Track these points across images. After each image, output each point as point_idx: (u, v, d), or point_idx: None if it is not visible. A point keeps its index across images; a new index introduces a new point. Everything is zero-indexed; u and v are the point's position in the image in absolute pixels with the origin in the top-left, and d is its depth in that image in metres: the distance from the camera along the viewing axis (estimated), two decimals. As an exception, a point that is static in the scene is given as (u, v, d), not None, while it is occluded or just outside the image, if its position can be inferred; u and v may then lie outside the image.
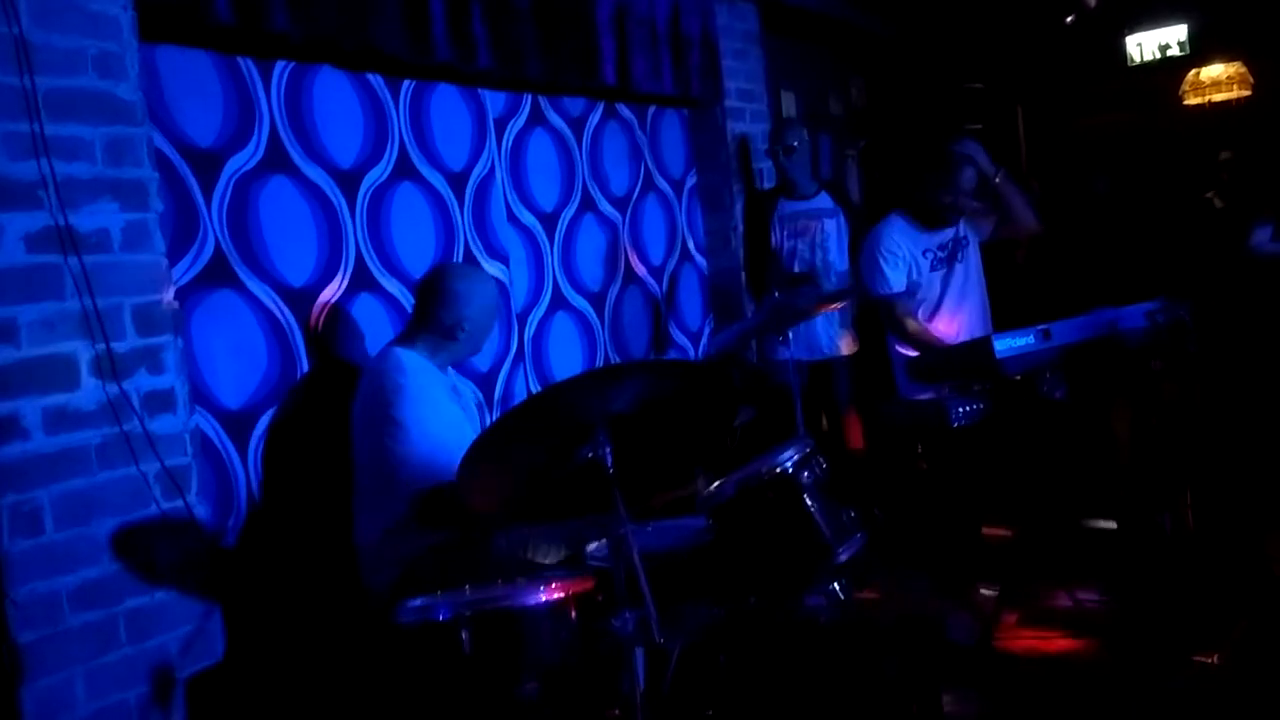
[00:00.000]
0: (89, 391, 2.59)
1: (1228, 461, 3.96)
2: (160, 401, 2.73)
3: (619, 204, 4.75)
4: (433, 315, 2.96)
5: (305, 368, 3.30)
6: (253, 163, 3.22)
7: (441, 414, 2.87)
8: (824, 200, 4.95)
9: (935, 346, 3.97)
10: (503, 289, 4.07)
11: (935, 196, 4.11)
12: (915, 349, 4.03)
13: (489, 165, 4.09)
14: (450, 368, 3.12)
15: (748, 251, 5.06)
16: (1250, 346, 4.63)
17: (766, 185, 5.27)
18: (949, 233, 4.20)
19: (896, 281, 4.10)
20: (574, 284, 4.48)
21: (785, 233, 4.89)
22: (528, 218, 4.29)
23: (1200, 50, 7.82)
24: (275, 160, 3.29)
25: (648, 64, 4.62)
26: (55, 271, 2.54)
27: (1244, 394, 4.39)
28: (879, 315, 4.25)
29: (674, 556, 2.80)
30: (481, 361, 3.88)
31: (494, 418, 3.78)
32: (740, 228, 5.16)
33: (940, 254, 4.17)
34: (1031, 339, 3.22)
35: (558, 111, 4.47)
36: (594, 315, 4.57)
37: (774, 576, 2.82)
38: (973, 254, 4.26)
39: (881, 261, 4.12)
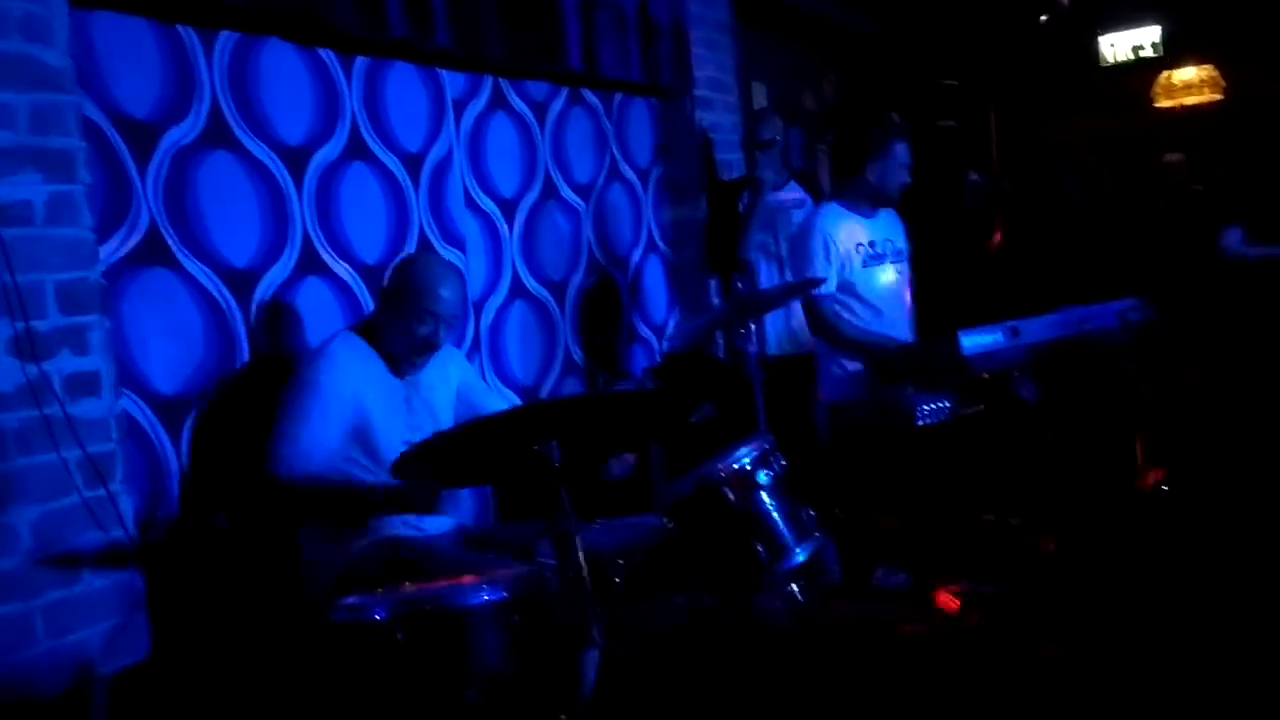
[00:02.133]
0: (7, 372, 2.44)
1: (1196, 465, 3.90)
2: (84, 385, 2.59)
3: (582, 192, 4.63)
4: (391, 300, 2.85)
5: (245, 351, 3.16)
6: (192, 136, 3.07)
7: (347, 407, 2.70)
8: (793, 190, 4.86)
9: (854, 344, 3.74)
10: (460, 277, 3.94)
11: (876, 173, 3.87)
12: (848, 352, 3.78)
13: (447, 148, 3.96)
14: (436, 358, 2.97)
15: (709, 243, 4.96)
16: (1222, 348, 4.58)
17: (734, 176, 5.17)
18: (885, 228, 3.96)
19: (824, 275, 3.80)
20: (534, 272, 4.36)
21: (754, 226, 4.79)
22: (487, 203, 4.16)
23: (1173, 52, 7.82)
24: (216, 134, 3.14)
25: (615, 50, 4.51)
26: (-29, 244, 2.39)
27: (1218, 395, 4.34)
28: (804, 311, 4.01)
29: (627, 555, 2.70)
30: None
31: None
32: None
33: (873, 250, 3.92)
34: (1000, 336, 3.14)
35: (520, 95, 4.34)
36: (554, 305, 4.45)
37: (730, 577, 2.73)
38: (905, 267, 4.01)
39: (805, 255, 3.86)
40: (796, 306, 4.64)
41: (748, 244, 4.68)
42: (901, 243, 4.02)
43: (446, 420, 2.95)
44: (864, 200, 3.93)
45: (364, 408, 2.75)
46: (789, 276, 4.61)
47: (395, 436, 2.70)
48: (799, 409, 4.47)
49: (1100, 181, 6.14)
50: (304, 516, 2.76)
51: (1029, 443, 3.48)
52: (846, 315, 3.82)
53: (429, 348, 2.82)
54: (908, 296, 4.00)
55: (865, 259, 3.88)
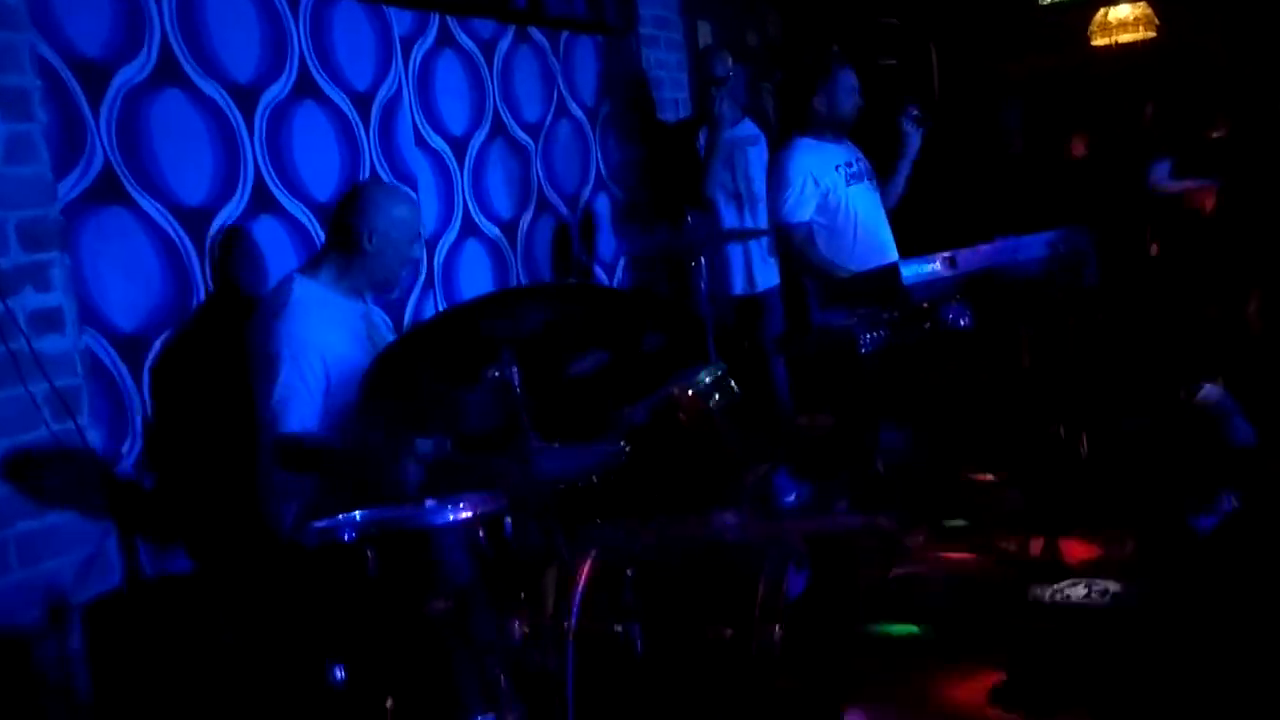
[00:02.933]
0: (-31, 309, 2.47)
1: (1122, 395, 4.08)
2: (47, 320, 2.62)
3: (531, 130, 4.67)
4: (341, 224, 2.84)
5: (201, 289, 3.19)
6: (143, 75, 3.07)
7: (315, 357, 2.70)
8: (747, 127, 4.91)
9: (839, 273, 3.94)
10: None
11: (831, 105, 4.08)
12: (818, 277, 4.01)
13: (396, 86, 3.98)
14: (370, 298, 3.02)
15: (655, 184, 5.02)
16: (1147, 279, 4.77)
17: (681, 115, 5.22)
18: (853, 149, 4.18)
19: (802, 209, 4.02)
20: (485, 211, 4.41)
21: (715, 163, 4.83)
22: (437, 141, 4.19)
23: (1109, -10, 7.93)
24: (167, 72, 3.14)
25: (560, -14, 4.53)
26: (-71, 183, 2.41)
27: (1141, 327, 4.52)
28: (777, 243, 4.20)
29: (585, 477, 2.80)
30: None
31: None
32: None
33: (851, 170, 4.12)
34: (937, 265, 3.26)
35: (467, 33, 4.35)
36: (506, 243, 4.51)
37: (684, 496, 2.85)
38: (877, 186, 4.25)
39: (786, 188, 4.03)
40: (755, 249, 4.75)
41: (710, 182, 4.75)
42: (868, 165, 4.23)
43: None
44: (825, 130, 4.12)
45: (335, 354, 2.74)
46: (758, 213, 4.72)
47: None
48: (757, 343, 4.60)
49: (1039, 119, 6.28)
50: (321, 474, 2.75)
51: (963, 369, 3.63)
52: (833, 241, 4.04)
53: (397, 286, 2.88)
54: (884, 213, 4.24)
55: (848, 178, 4.10)
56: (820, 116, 4.09)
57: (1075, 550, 3.37)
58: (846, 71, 4.06)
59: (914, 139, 4.24)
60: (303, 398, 2.66)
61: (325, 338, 2.76)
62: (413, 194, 3.76)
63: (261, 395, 2.69)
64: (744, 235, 4.68)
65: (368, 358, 2.80)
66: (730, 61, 4.86)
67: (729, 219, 4.80)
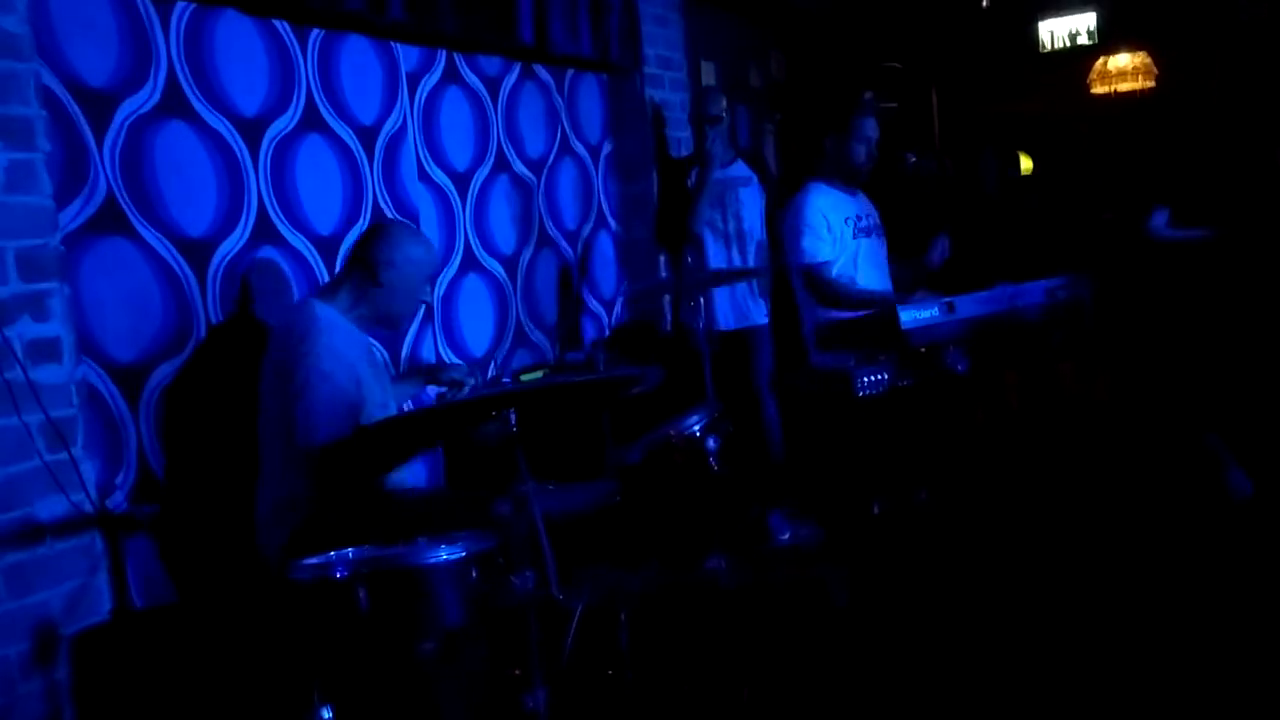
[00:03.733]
0: (-33, 337, 2.47)
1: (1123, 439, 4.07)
2: (45, 350, 2.62)
3: (534, 166, 4.70)
4: (360, 257, 2.85)
5: (202, 321, 3.19)
6: (148, 106, 3.09)
7: (349, 374, 2.73)
8: (739, 169, 4.95)
9: (864, 302, 3.90)
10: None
11: (845, 152, 4.09)
12: (844, 309, 3.95)
13: (401, 121, 4.00)
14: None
15: (660, 218, 5.05)
16: (1146, 327, 4.77)
17: (683, 153, 5.26)
18: (865, 203, 4.20)
19: (818, 251, 4.01)
20: (486, 246, 4.42)
21: (703, 201, 4.87)
22: (440, 176, 4.21)
23: (1108, 39, 8.02)
24: (173, 104, 3.16)
25: (566, 25, 4.56)
26: (-69, 210, 2.41)
27: (1140, 373, 4.52)
28: (804, 285, 4.15)
29: (579, 518, 2.79)
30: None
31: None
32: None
33: (860, 224, 4.14)
34: (936, 311, 3.27)
35: (473, 69, 4.39)
36: (506, 278, 4.52)
37: (678, 538, 2.84)
38: (884, 242, 4.23)
39: (803, 232, 4.04)
40: (742, 286, 4.77)
41: (697, 219, 4.77)
42: (878, 218, 4.25)
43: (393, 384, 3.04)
44: (838, 177, 4.14)
45: (357, 374, 2.76)
46: (747, 252, 4.74)
47: (377, 398, 2.79)
48: (745, 381, 4.60)
49: (1016, 165, 6.31)
50: (368, 472, 2.75)
51: (959, 414, 3.64)
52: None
53: (404, 324, 2.91)
54: (886, 267, 4.24)
55: (855, 230, 4.11)
56: (834, 164, 4.11)
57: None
58: (868, 121, 4.08)
59: (938, 253, 4.16)
60: (341, 412, 2.66)
61: (352, 359, 2.78)
62: (432, 241, 3.73)
63: (299, 413, 2.62)
64: (739, 275, 4.69)
65: (379, 389, 2.84)
66: (725, 102, 4.89)
67: (716, 257, 4.81)
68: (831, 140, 4.12)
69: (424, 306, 2.86)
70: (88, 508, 2.70)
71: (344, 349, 2.76)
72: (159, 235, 3.11)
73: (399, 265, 2.83)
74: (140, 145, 3.07)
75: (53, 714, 2.58)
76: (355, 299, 2.86)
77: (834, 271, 4.03)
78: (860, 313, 3.79)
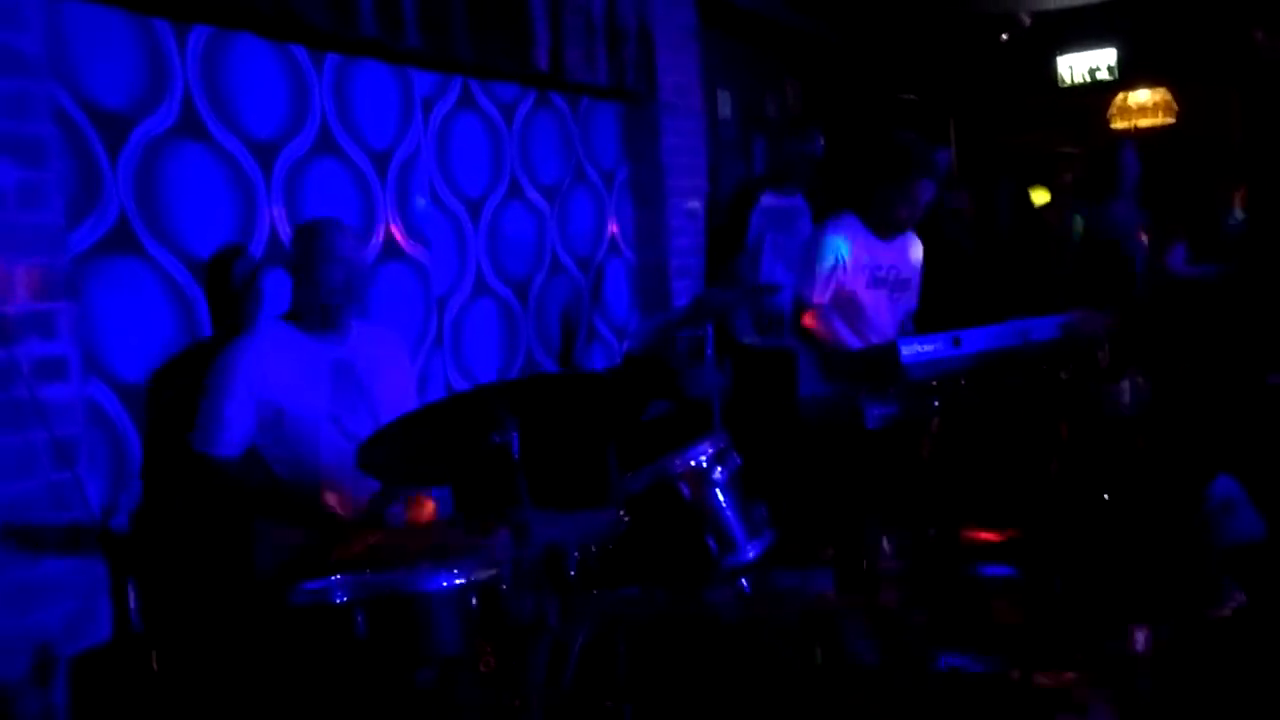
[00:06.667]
0: (-26, 354, 2.47)
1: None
2: (52, 369, 2.62)
3: (547, 193, 4.70)
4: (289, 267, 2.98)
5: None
6: (163, 128, 3.11)
7: (261, 389, 2.76)
8: (801, 201, 4.93)
9: (836, 347, 3.71)
10: (421, 271, 4.01)
11: (891, 209, 3.80)
12: (813, 348, 3.79)
13: (414, 146, 4.02)
14: (372, 330, 3.06)
15: (715, 249, 5.06)
16: (1161, 363, 4.73)
17: (698, 182, 5.27)
18: (896, 254, 3.92)
19: (812, 290, 3.78)
20: (497, 270, 4.43)
21: (762, 222, 4.86)
22: (453, 201, 4.22)
23: (1128, 75, 8.02)
24: (188, 126, 3.18)
25: (582, 53, 4.58)
26: (-59, 227, 2.43)
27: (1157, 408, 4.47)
28: (790, 312, 4.04)
29: (581, 546, 2.77)
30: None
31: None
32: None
33: (880, 275, 3.89)
34: (941, 345, 3.21)
35: (488, 96, 4.40)
36: (517, 304, 4.51)
37: (681, 570, 2.81)
38: (905, 297, 4.00)
39: (817, 266, 3.79)
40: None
41: (759, 243, 4.76)
42: (908, 272, 3.97)
43: (380, 399, 2.95)
44: (879, 224, 3.84)
45: (278, 391, 2.78)
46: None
47: (314, 415, 2.79)
48: (776, 401, 4.41)
49: (1028, 199, 6.27)
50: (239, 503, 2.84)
51: (972, 449, 3.60)
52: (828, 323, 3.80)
53: (347, 295, 2.89)
54: (897, 323, 3.98)
55: (870, 280, 3.86)
56: (879, 210, 3.82)
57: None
58: (927, 184, 3.77)
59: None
60: (229, 425, 2.75)
61: (272, 376, 2.79)
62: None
63: (197, 417, 2.77)
64: (761, 292, 4.66)
65: (327, 401, 2.82)
66: (817, 135, 4.92)
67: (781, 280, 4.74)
68: (883, 191, 3.79)
69: (348, 280, 2.85)
70: (91, 527, 2.69)
71: (267, 362, 2.79)
72: (171, 256, 3.11)
73: (298, 261, 2.91)
74: (154, 167, 3.08)
75: (49, 734, 2.56)
76: (299, 310, 2.91)
77: (819, 312, 3.78)
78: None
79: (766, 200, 4.90)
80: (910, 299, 4.03)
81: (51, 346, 2.63)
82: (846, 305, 3.83)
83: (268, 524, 2.79)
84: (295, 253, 2.95)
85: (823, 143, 4.91)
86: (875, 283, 3.89)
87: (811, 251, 3.86)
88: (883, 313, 3.92)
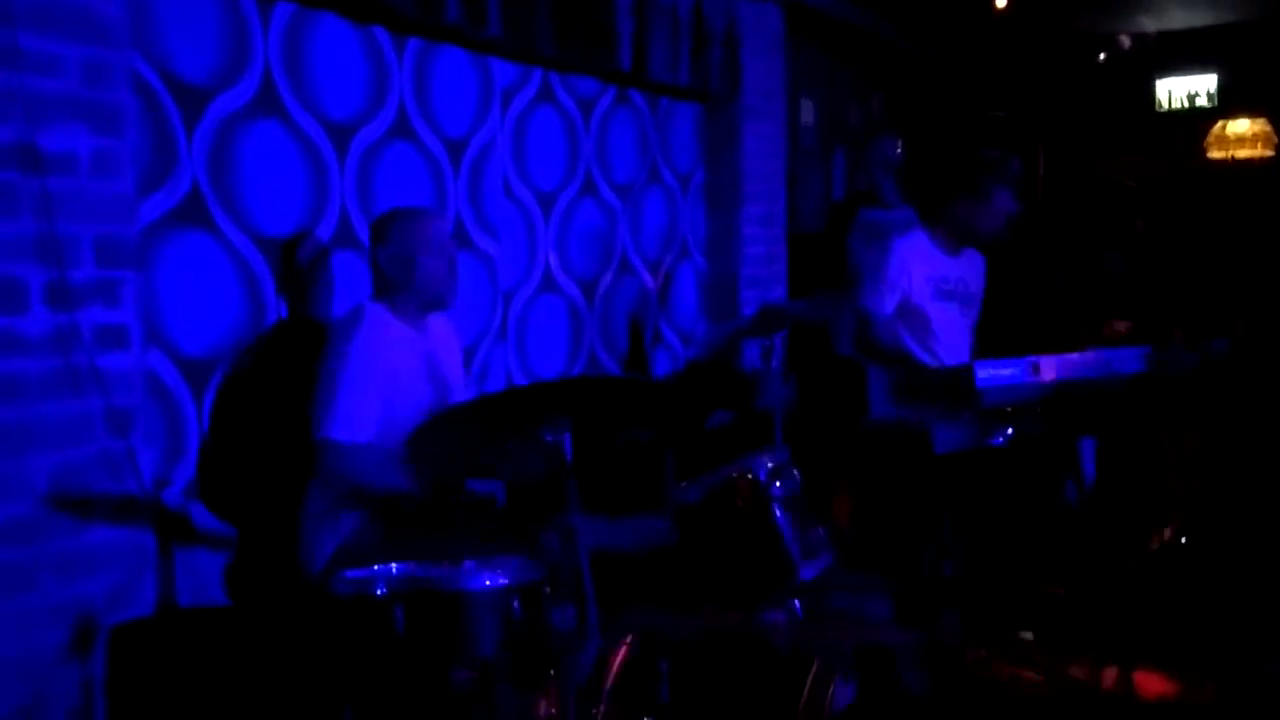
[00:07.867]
0: (37, 318, 2.47)
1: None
2: (113, 337, 2.62)
3: (621, 192, 4.64)
4: (372, 264, 2.88)
5: (274, 319, 3.18)
6: (241, 103, 3.10)
7: (382, 378, 2.70)
8: (903, 213, 4.78)
9: (907, 364, 3.66)
10: (489, 263, 3.98)
11: (973, 221, 3.74)
12: (884, 365, 3.71)
13: (490, 136, 3.98)
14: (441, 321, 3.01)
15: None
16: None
17: (775, 188, 5.18)
18: (964, 268, 3.85)
19: (880, 302, 3.72)
20: (566, 268, 4.37)
21: (859, 240, 4.75)
22: (525, 194, 4.17)
23: (1228, 103, 7.73)
24: (266, 104, 3.17)
25: (666, 53, 4.51)
26: (14, 189, 2.42)
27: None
28: (854, 326, 3.94)
29: (631, 555, 2.70)
30: (461, 336, 3.75)
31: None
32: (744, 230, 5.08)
33: (946, 288, 3.80)
34: (1019, 370, 3.08)
35: (567, 90, 4.35)
36: (583, 302, 4.46)
37: (732, 587, 2.72)
38: (973, 311, 3.91)
39: (882, 278, 3.74)
40: None
41: (853, 256, 4.68)
42: (976, 286, 3.90)
43: (456, 390, 2.95)
44: (950, 237, 3.78)
45: (396, 378, 2.74)
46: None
47: (417, 409, 2.71)
48: (844, 420, 4.30)
49: (1142, 245, 6.06)
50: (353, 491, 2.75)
51: (1041, 481, 3.45)
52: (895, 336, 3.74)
53: (449, 287, 2.87)
54: (967, 336, 3.90)
55: (935, 293, 3.77)
56: (956, 223, 3.76)
57: (1151, 685, 3.14)
58: (1004, 193, 3.71)
59: None
60: (359, 412, 2.65)
61: (392, 362, 2.75)
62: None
63: (318, 405, 2.66)
64: (830, 304, 4.56)
65: (426, 391, 2.78)
66: (899, 143, 4.81)
67: None
68: (963, 204, 3.72)
69: (447, 271, 2.81)
70: (142, 499, 2.69)
71: (384, 351, 2.73)
72: (240, 232, 3.10)
73: (396, 243, 2.83)
74: (229, 142, 3.08)
75: (85, 705, 2.55)
76: (389, 294, 2.84)
77: (883, 324, 3.72)
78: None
79: (866, 216, 4.79)
80: (975, 314, 3.93)
81: (114, 315, 2.62)
82: (913, 318, 3.74)
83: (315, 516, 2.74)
84: (392, 242, 2.84)
85: (901, 151, 4.76)
86: (942, 295, 3.81)
87: (875, 263, 3.81)
88: (952, 328, 3.83)
